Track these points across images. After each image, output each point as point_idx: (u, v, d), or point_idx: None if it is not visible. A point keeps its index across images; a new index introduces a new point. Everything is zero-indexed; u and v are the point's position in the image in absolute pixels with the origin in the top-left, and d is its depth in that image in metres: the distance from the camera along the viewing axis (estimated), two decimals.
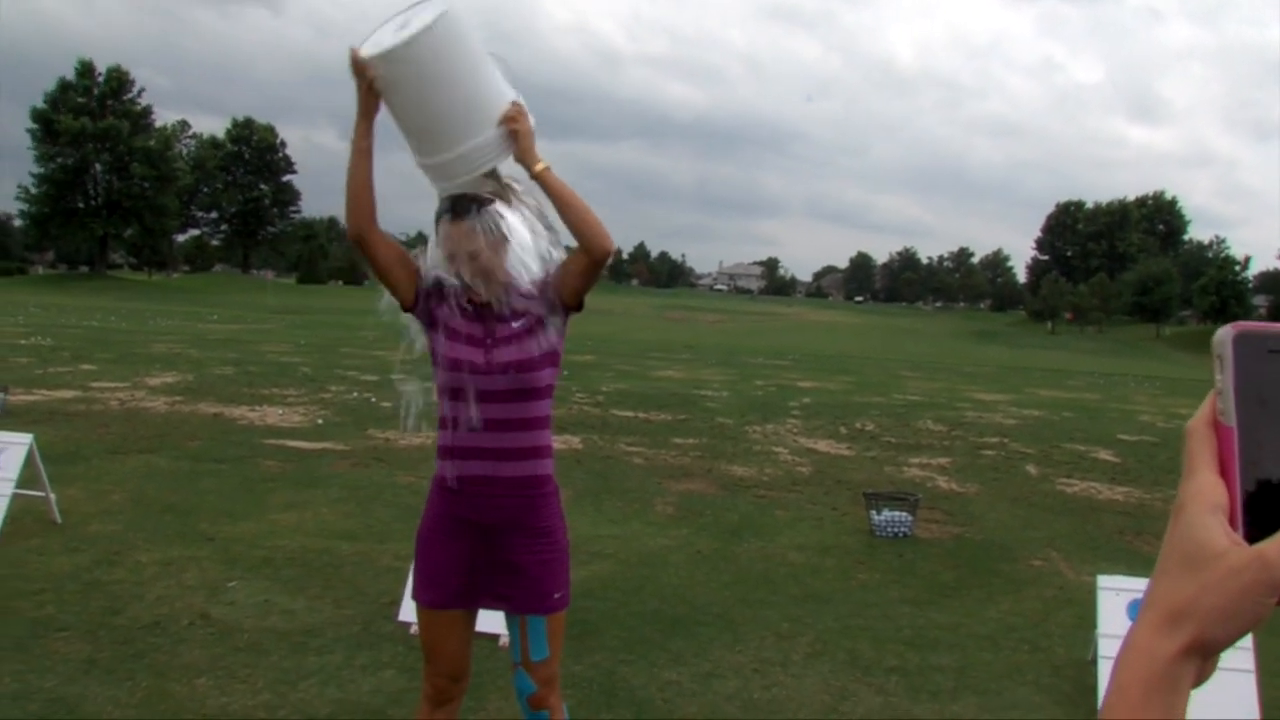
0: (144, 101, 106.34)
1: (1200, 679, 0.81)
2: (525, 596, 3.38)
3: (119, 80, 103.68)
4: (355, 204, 3.30)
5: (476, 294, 3.29)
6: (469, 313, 3.35)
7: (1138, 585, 5.77)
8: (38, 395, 15.66)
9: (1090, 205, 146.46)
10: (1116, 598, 5.69)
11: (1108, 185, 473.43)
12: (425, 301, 3.40)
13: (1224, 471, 0.79)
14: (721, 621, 6.58)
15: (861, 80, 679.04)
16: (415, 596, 3.50)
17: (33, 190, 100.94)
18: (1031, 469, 14.10)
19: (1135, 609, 5.63)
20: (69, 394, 16.10)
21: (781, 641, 6.29)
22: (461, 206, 3.26)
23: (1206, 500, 0.79)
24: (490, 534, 3.37)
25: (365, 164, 3.29)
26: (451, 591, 3.41)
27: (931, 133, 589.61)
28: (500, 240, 3.27)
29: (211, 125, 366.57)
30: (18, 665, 5.21)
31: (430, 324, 3.42)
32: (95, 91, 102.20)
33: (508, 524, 3.36)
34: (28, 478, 7.87)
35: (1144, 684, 0.79)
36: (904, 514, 9.25)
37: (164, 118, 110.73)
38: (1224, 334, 0.79)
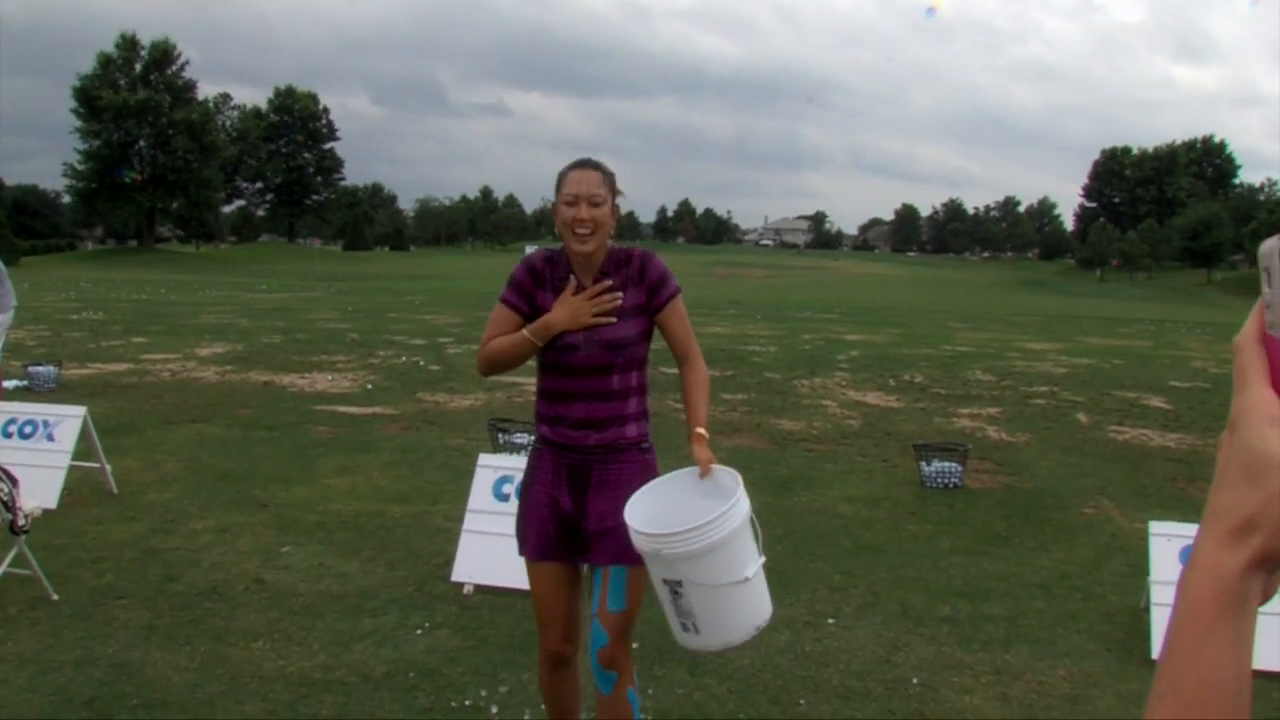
0: (187, 75, 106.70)
1: (1267, 595, 0.80)
2: (609, 547, 3.52)
3: (163, 53, 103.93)
4: (498, 370, 3.69)
5: (582, 245, 3.50)
6: (570, 292, 3.58)
7: (1190, 532, 5.71)
8: (91, 369, 15.86)
9: (1137, 151, 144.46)
10: (1169, 544, 5.66)
11: (1154, 128, 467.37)
12: (532, 303, 3.64)
13: (1276, 384, 0.79)
14: (773, 575, 6.50)
15: (897, 27, 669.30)
16: (520, 551, 3.70)
17: (78, 166, 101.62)
18: (1082, 417, 14.00)
19: (1187, 555, 5.60)
20: (122, 367, 16.30)
21: (833, 594, 6.30)
22: (591, 162, 3.58)
23: (1263, 413, 0.78)
24: (584, 491, 3.58)
25: (528, 354, 3.61)
26: (554, 543, 3.61)
27: (970, 79, 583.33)
28: (614, 209, 3.59)
29: (244, 95, 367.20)
30: (80, 632, 5.30)
31: (538, 311, 3.62)
32: (138, 66, 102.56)
33: (598, 482, 3.56)
34: (83, 450, 7.98)
35: (1214, 600, 0.78)
36: (954, 464, 9.21)
37: (199, 90, 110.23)
38: (1271, 245, 0.78)
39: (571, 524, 3.59)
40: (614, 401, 3.57)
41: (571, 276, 3.59)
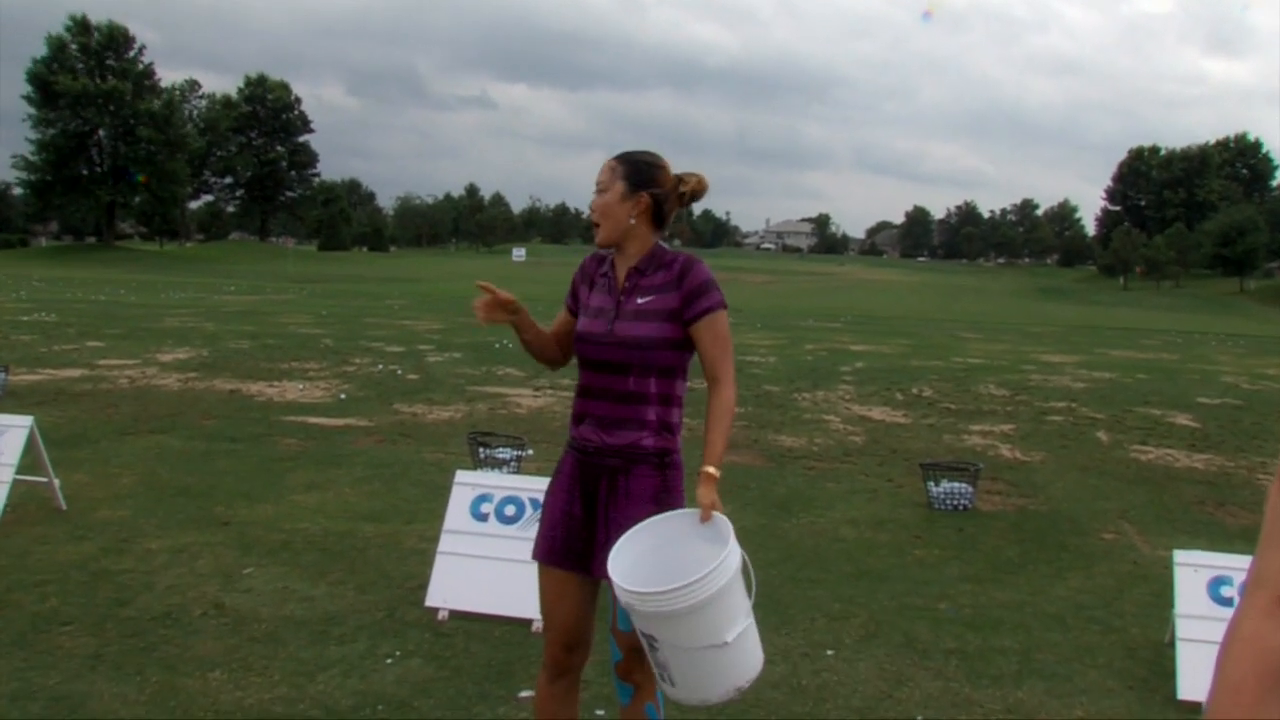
0: (145, 60, 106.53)
1: None
2: None
3: (117, 37, 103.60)
4: (544, 361, 3.96)
5: (596, 236, 3.74)
6: (604, 287, 3.74)
7: (1219, 561, 5.69)
8: (42, 375, 15.80)
9: (1165, 150, 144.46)
10: (1195, 574, 5.61)
11: (1183, 126, 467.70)
12: (579, 300, 3.84)
13: None
14: (769, 602, 6.53)
15: (905, 16, 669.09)
16: (532, 554, 3.80)
17: (31, 157, 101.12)
18: (1102, 435, 13.99)
19: (1216, 587, 5.56)
20: (75, 373, 16.23)
21: (833, 623, 6.27)
22: (621, 154, 3.74)
23: None
24: (597, 499, 3.63)
25: (536, 344, 3.86)
26: (560, 547, 3.67)
27: (985, 72, 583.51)
28: (636, 200, 3.65)
29: (209, 83, 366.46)
30: (18, 662, 5.23)
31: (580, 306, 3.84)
32: (92, 49, 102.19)
33: (608, 493, 3.60)
34: (30, 463, 7.91)
35: (1258, 679, 0.72)
36: (964, 485, 9.19)
37: (161, 76, 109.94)
38: None
39: (581, 532, 3.62)
40: (629, 404, 3.60)
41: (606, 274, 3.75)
